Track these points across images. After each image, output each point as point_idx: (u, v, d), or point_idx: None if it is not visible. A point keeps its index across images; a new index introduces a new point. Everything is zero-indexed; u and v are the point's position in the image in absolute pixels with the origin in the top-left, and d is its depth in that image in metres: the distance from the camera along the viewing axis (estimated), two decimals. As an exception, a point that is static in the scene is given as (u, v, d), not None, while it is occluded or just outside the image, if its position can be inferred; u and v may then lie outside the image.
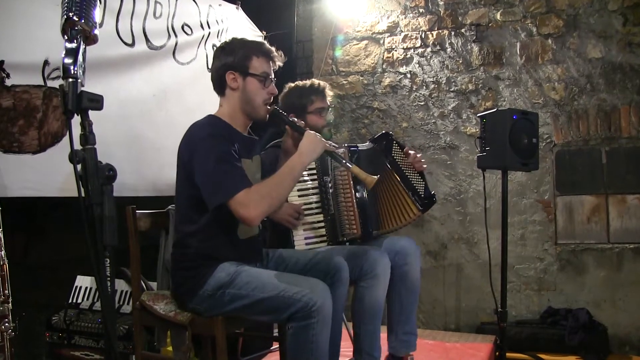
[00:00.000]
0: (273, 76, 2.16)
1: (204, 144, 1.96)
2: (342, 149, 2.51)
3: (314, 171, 2.55)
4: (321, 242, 2.53)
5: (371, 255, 2.32)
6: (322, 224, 2.54)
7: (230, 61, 2.10)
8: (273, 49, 2.17)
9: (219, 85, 2.16)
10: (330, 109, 2.75)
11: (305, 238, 2.50)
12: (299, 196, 2.51)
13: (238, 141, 2.06)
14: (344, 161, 2.16)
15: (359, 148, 2.64)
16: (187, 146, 2.02)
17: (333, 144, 2.16)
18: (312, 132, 2.10)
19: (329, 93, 2.73)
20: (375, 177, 2.12)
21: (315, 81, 2.72)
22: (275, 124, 2.25)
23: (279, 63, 2.19)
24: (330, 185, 2.54)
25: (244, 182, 1.89)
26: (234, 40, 2.18)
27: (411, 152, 2.68)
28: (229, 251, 2.06)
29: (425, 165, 2.69)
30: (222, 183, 1.88)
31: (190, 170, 1.97)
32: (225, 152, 1.93)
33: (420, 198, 2.63)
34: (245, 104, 2.11)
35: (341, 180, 2.56)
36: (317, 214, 2.54)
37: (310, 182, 2.54)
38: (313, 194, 2.54)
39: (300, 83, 2.74)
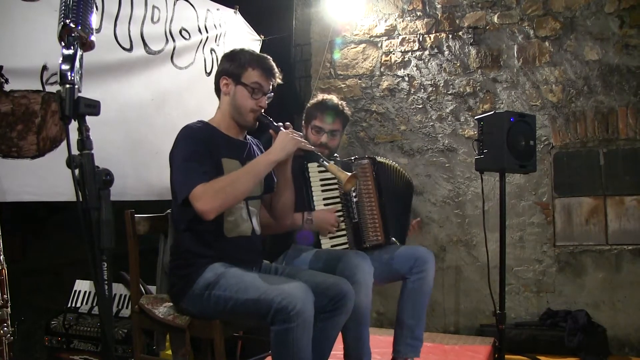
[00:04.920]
0: (269, 91, 2.20)
1: (178, 145, 2.07)
2: (364, 162, 2.67)
3: (336, 181, 2.60)
4: (344, 249, 2.58)
5: (352, 260, 2.30)
6: (344, 232, 2.60)
7: (227, 67, 2.19)
8: (274, 66, 2.21)
9: (216, 89, 2.25)
10: (334, 134, 2.71)
11: (331, 239, 2.56)
12: (325, 205, 2.56)
13: (222, 142, 2.13)
14: (321, 159, 2.20)
15: (378, 160, 2.74)
16: (171, 149, 2.12)
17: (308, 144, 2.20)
18: (286, 131, 2.14)
19: (338, 117, 2.70)
20: (349, 173, 2.15)
21: (331, 100, 2.72)
22: (264, 130, 2.28)
23: (278, 80, 2.23)
24: (354, 194, 2.60)
25: (204, 177, 1.95)
26: (240, 49, 2.25)
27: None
28: (217, 249, 2.08)
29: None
30: (185, 179, 1.97)
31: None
32: (193, 152, 2.02)
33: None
34: (234, 110, 2.18)
35: (365, 190, 2.65)
36: (340, 222, 2.58)
37: (333, 192, 2.60)
38: (336, 203, 2.59)
39: (325, 96, 2.75)
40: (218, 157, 2.08)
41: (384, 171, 2.75)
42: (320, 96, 2.77)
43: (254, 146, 2.32)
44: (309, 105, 2.78)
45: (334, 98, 2.74)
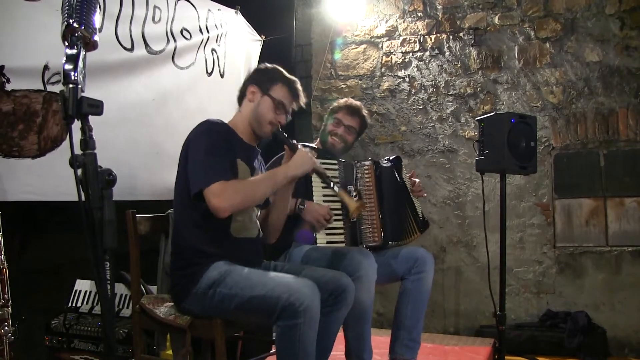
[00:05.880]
0: (289, 111, 2.26)
1: (199, 137, 2.08)
2: (366, 163, 2.71)
3: (337, 179, 2.63)
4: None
5: (355, 257, 2.31)
6: (342, 231, 2.61)
7: (258, 77, 2.26)
8: (301, 90, 2.28)
9: (240, 96, 2.30)
10: (350, 130, 2.83)
11: (327, 235, 2.57)
12: (323, 201, 2.56)
13: (237, 144, 2.17)
14: (331, 184, 2.24)
15: (381, 164, 2.79)
16: (186, 141, 2.12)
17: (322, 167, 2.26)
18: (304, 150, 2.19)
19: (357, 115, 2.85)
20: (359, 202, 2.21)
21: (356, 102, 2.90)
22: (276, 142, 2.33)
23: (301, 104, 2.30)
24: (354, 194, 2.63)
25: (224, 175, 1.97)
26: (274, 67, 2.31)
27: (415, 179, 2.89)
28: (222, 248, 2.08)
29: (425, 194, 2.95)
30: (203, 173, 1.98)
31: (186, 163, 2.07)
32: (215, 146, 2.03)
33: (420, 221, 2.87)
34: (254, 118, 2.22)
35: (366, 190, 2.66)
36: (337, 220, 2.58)
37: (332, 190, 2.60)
38: (335, 200, 2.59)
39: (349, 100, 2.92)
40: (234, 157, 2.11)
41: (387, 175, 2.76)
42: (350, 100, 2.92)
43: (258, 156, 2.36)
44: (335, 104, 2.91)
45: (358, 102, 2.92)
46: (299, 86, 2.27)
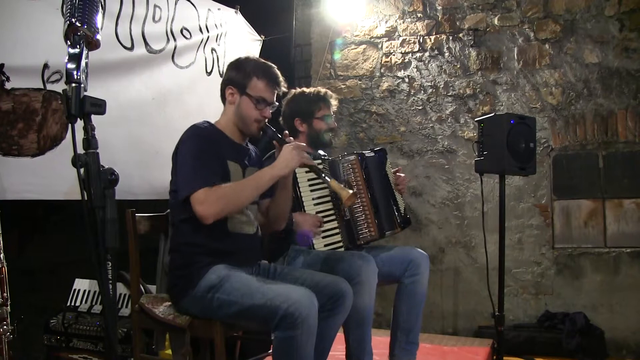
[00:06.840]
0: (274, 101, 2.22)
1: (186, 142, 2.09)
2: (351, 158, 2.68)
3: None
4: (338, 247, 2.58)
5: (355, 261, 2.31)
6: (337, 230, 2.59)
7: (233, 76, 2.21)
8: (279, 75, 2.22)
9: (222, 96, 2.27)
10: (332, 115, 2.80)
11: (324, 238, 2.55)
12: (315, 204, 2.55)
13: (226, 145, 2.17)
14: (323, 175, 2.20)
15: (366, 155, 2.77)
16: (175, 147, 2.13)
17: (310, 158, 2.17)
18: (290, 145, 2.12)
19: (334, 102, 2.81)
20: (350, 191, 2.17)
21: (322, 89, 2.81)
22: (266, 138, 2.30)
23: (283, 89, 2.26)
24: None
25: (208, 180, 1.97)
26: (246, 58, 2.26)
27: (400, 174, 2.87)
28: (219, 244, 2.08)
29: (404, 192, 2.92)
30: (189, 179, 2.00)
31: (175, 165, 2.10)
32: (201, 151, 2.04)
33: (402, 217, 2.84)
34: (238, 119, 2.21)
35: (355, 186, 2.64)
36: (331, 221, 2.57)
37: (322, 191, 2.58)
38: (326, 202, 2.58)
39: (306, 90, 2.81)
40: (224, 159, 2.11)
41: (373, 165, 2.75)
42: (308, 89, 2.80)
43: (252, 153, 2.34)
44: (300, 100, 2.76)
45: (320, 89, 2.83)
46: (275, 71, 2.21)
